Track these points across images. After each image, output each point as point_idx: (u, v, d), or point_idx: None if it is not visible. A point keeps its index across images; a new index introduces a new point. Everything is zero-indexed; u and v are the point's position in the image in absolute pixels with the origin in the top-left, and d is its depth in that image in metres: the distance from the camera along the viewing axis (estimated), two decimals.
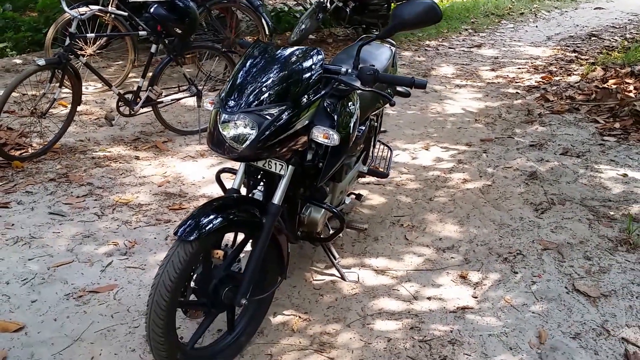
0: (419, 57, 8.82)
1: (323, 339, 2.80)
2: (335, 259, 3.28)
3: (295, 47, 2.48)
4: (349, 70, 2.55)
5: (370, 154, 3.74)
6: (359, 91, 3.03)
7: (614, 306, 3.04)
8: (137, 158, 4.75)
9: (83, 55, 5.52)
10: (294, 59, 2.43)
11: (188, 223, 2.27)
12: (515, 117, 6.03)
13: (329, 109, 2.61)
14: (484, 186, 4.42)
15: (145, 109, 5.06)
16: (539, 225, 3.84)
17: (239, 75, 2.40)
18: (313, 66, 2.44)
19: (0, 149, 4.33)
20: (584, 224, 3.83)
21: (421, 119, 6.05)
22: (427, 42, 9.79)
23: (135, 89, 4.99)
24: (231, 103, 2.32)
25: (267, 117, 2.28)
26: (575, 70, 7.73)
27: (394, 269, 3.37)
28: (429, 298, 3.12)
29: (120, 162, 4.65)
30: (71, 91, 4.71)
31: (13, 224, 3.66)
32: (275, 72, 2.37)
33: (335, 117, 2.60)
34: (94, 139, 5.12)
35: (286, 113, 2.32)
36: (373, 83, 2.52)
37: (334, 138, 2.41)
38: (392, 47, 3.74)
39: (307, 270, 3.34)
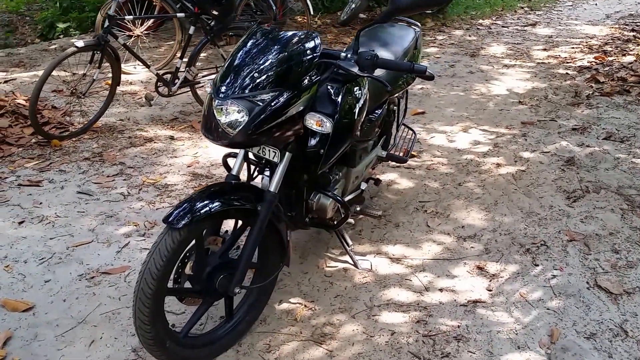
0: (469, 36, 8.42)
1: (325, 330, 2.65)
2: (348, 246, 3.11)
3: (292, 32, 2.32)
4: (348, 56, 2.37)
5: (393, 138, 3.53)
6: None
7: (636, 305, 2.76)
8: (171, 138, 4.69)
9: (130, 36, 5.50)
10: (289, 44, 2.27)
11: (178, 209, 2.18)
12: (561, 99, 5.65)
13: (332, 94, 2.44)
14: (517, 172, 4.13)
15: (183, 90, 4.99)
16: (569, 214, 3.55)
17: (234, 60, 2.26)
18: (308, 51, 2.27)
19: (40, 127, 4.33)
20: (617, 214, 3.52)
21: (463, 100, 5.75)
22: (480, 21, 9.35)
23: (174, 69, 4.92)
24: (223, 88, 2.19)
25: (259, 102, 2.14)
26: (631, 51, 7.19)
27: (410, 258, 3.18)
28: (440, 290, 2.92)
29: (155, 142, 4.59)
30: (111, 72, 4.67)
31: (41, 203, 3.65)
32: (269, 57, 2.22)
33: (339, 102, 2.42)
34: (134, 118, 5.09)
35: (279, 99, 2.17)
36: (372, 69, 2.33)
37: (327, 126, 2.25)
38: (416, 30, 3.49)
39: (321, 257, 3.19)
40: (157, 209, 3.62)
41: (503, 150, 4.52)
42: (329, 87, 2.44)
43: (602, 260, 3.10)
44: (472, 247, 3.27)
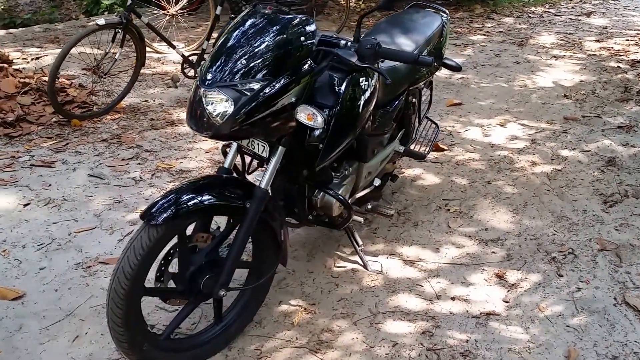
0: (519, 24, 8.02)
1: (322, 337, 2.45)
2: (358, 246, 2.90)
3: (287, 16, 2.09)
4: (348, 44, 2.14)
5: (414, 133, 3.28)
6: (384, 63, 2.61)
7: None
8: None
9: (166, 14, 5.38)
10: (281, 30, 2.05)
11: (157, 204, 2.00)
12: (610, 94, 5.27)
13: (334, 84, 2.22)
14: (553, 171, 3.83)
15: None
16: (603, 220, 3.24)
17: (222, 45, 2.06)
18: (302, 38, 2.05)
19: (60, 106, 4.25)
20: None
21: (505, 91, 5.43)
22: (532, 8, 8.92)
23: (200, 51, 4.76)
24: (209, 75, 2.00)
25: (246, 92, 1.95)
26: None
27: (424, 261, 2.94)
28: (453, 298, 2.68)
29: (176, 125, 4.46)
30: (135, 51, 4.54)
31: (50, 185, 3.55)
32: (259, 43, 2.02)
33: (341, 93, 2.20)
34: (160, 100, 4.97)
35: (269, 89, 1.97)
36: (374, 58, 2.11)
37: (318, 120, 2.04)
38: (442, 16, 3.22)
39: (331, 255, 2.98)
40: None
41: (540, 147, 4.21)
42: (331, 76, 2.23)
43: (634, 274, 2.80)
44: (493, 253, 3.01)
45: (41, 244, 3.00)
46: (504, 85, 5.59)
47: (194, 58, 4.73)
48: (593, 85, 5.51)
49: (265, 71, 1.97)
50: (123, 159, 3.89)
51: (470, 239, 3.13)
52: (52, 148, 3.99)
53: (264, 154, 2.21)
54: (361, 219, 2.82)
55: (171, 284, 2.18)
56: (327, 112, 2.18)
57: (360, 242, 2.91)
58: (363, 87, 2.32)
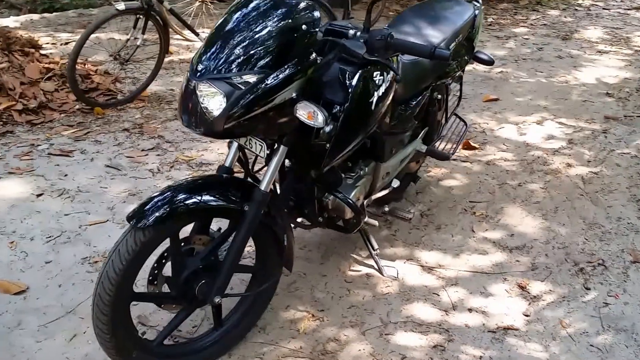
0: (565, 17, 7.68)
1: (328, 347, 2.32)
2: (373, 250, 2.75)
3: (287, 2, 1.92)
4: (358, 34, 1.97)
5: (440, 130, 3.10)
6: (404, 56, 2.44)
7: None
8: None
9: (197, 1, 5.28)
10: (279, 16, 1.87)
11: (146, 206, 1.88)
12: None
13: (344, 78, 2.03)
14: (588, 174, 3.60)
15: None
16: (638, 229, 3.01)
17: (217, 32, 1.90)
18: (303, 26, 1.87)
19: (81, 93, 4.18)
20: None
21: (544, 87, 5.17)
22: (580, 1, 8.53)
23: None
24: (200, 66, 1.84)
25: (240, 85, 1.78)
26: None
27: (444, 267, 2.78)
28: (470, 310, 2.51)
29: None
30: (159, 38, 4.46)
31: (66, 175, 3.48)
32: (256, 31, 1.84)
33: (351, 88, 2.02)
34: None
35: (265, 82, 1.80)
36: (385, 51, 1.92)
37: (319, 120, 1.87)
38: (475, 6, 3.03)
39: (346, 258, 2.84)
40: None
41: (577, 148, 3.97)
42: (341, 69, 2.04)
43: None
44: (517, 261, 2.82)
45: (50, 236, 2.93)
46: (544, 81, 5.33)
47: None
48: (638, 83, 5.21)
49: (262, 62, 1.80)
50: (143, 150, 3.81)
51: (495, 245, 2.95)
52: (72, 137, 3.93)
53: (262, 154, 2.07)
54: (376, 223, 2.66)
55: (166, 288, 2.08)
56: (336, 109, 2.00)
57: (376, 246, 2.76)
58: (377, 81, 2.13)
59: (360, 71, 2.03)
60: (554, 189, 3.45)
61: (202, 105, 1.80)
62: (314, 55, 1.90)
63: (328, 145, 2.05)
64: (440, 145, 3.11)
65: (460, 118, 3.34)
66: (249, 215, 2.00)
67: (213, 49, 1.85)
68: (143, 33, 4.29)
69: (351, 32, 1.99)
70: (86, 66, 4.73)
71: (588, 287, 2.63)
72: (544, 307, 2.51)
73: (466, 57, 2.99)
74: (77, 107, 4.30)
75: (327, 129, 2.00)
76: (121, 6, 4.01)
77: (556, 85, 5.23)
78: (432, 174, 3.62)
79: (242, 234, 2.01)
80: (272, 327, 2.42)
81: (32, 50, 4.79)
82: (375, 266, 2.75)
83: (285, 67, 1.83)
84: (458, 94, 3.25)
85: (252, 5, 1.92)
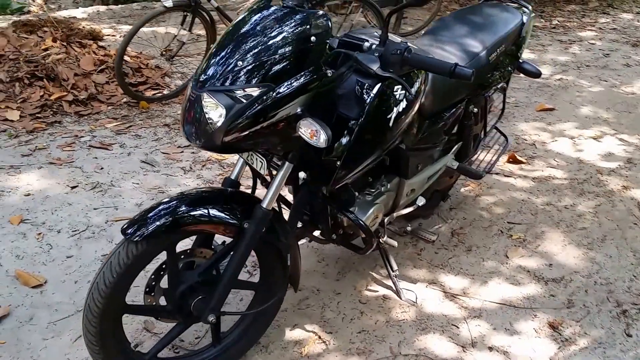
0: (638, 21, 7.10)
1: None
2: (392, 271, 2.52)
3: (297, 13, 1.71)
4: (374, 46, 1.76)
5: (475, 146, 2.83)
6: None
7: None
8: None
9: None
10: (286, 28, 1.69)
11: (140, 218, 1.76)
12: None
13: (362, 92, 1.84)
14: None
15: None
16: None
17: (221, 44, 1.73)
18: (312, 38, 1.67)
19: (127, 86, 4.12)
20: None
21: (607, 98, 4.75)
22: None
23: None
24: (203, 77, 1.68)
25: (242, 99, 1.61)
26: None
27: (468, 295, 2.52)
28: (490, 348, 2.25)
29: None
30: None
31: (102, 168, 3.42)
32: (261, 43, 1.67)
33: (367, 103, 1.82)
34: None
35: (268, 97, 1.63)
36: (400, 66, 1.70)
37: (321, 139, 1.67)
38: (524, 13, 2.73)
39: (364, 276, 2.63)
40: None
41: (637, 169, 3.59)
42: (359, 82, 1.84)
43: None
44: (552, 296, 2.52)
45: (75, 230, 2.86)
46: (607, 91, 4.90)
47: None
48: None
49: (265, 76, 1.63)
50: (179, 146, 3.70)
51: (529, 274, 2.66)
52: (115, 130, 3.87)
53: (262, 171, 1.90)
54: (395, 243, 2.43)
55: (163, 301, 1.94)
56: (350, 124, 1.83)
57: (395, 267, 2.53)
58: (397, 96, 1.91)
59: (379, 84, 1.82)
60: (604, 215, 3.10)
61: (202, 118, 1.65)
62: (324, 68, 1.69)
63: (339, 162, 1.85)
64: (476, 162, 2.83)
65: (501, 132, 3.05)
66: (248, 233, 1.84)
67: (217, 60, 1.69)
68: (190, 30, 4.20)
69: (367, 44, 1.79)
70: (139, 60, 4.67)
71: (630, 333, 2.31)
72: (575, 353, 2.22)
73: (510, 68, 2.70)
74: (125, 100, 4.24)
75: (340, 144, 1.83)
76: (169, 3, 3.91)
77: (621, 96, 4.80)
78: (469, 188, 3.34)
79: (240, 253, 1.86)
80: (275, 346, 2.25)
81: (91, 42, 4.77)
82: (394, 288, 2.52)
83: (291, 81, 1.66)
84: (500, 106, 2.95)
85: (259, 16, 1.75)
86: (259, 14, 1.74)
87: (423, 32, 2.66)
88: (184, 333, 2.21)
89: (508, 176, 3.50)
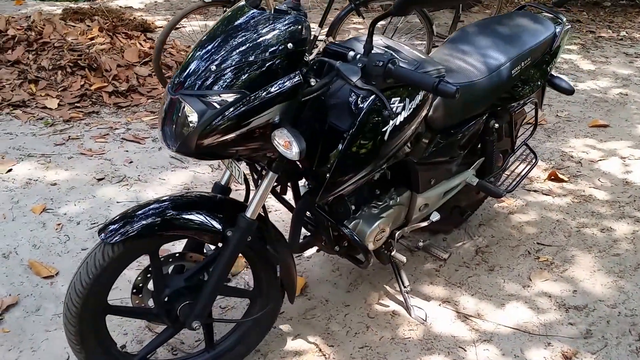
0: None
1: None
2: (404, 287, 2.48)
3: (275, 19, 1.67)
4: (358, 56, 1.71)
5: (502, 163, 2.75)
6: (454, 78, 2.16)
7: None
8: None
9: None
10: (264, 33, 1.64)
11: (118, 220, 1.77)
12: None
13: (355, 104, 1.81)
14: None
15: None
16: None
17: (199, 48, 1.70)
18: (289, 45, 1.62)
19: (164, 80, 4.20)
20: None
21: None
22: None
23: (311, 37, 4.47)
24: (176, 81, 1.67)
25: (216, 104, 1.59)
26: None
27: (482, 318, 2.45)
28: None
29: None
30: None
31: (131, 162, 3.49)
32: (237, 49, 1.63)
33: (360, 115, 1.79)
34: None
35: (242, 103, 1.60)
36: (383, 79, 1.65)
37: (293, 151, 1.63)
38: (557, 24, 2.62)
39: (378, 289, 2.59)
40: (235, 190, 3.26)
41: None
42: (352, 92, 1.81)
43: None
44: (571, 324, 2.42)
45: (95, 223, 2.93)
46: None
47: None
48: None
49: (241, 82, 1.60)
50: None
51: (550, 300, 2.56)
52: (150, 123, 3.95)
53: (240, 180, 1.89)
54: (404, 259, 2.39)
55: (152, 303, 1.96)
56: (341, 136, 1.80)
57: (407, 282, 2.48)
58: (395, 109, 1.86)
59: (373, 96, 1.78)
60: None
61: (176, 122, 1.64)
62: (296, 78, 1.64)
63: (328, 174, 1.83)
64: (505, 179, 2.74)
65: (531, 149, 2.94)
66: (232, 242, 1.83)
67: (194, 64, 1.66)
68: None
69: (351, 54, 1.75)
70: (180, 53, 4.75)
71: None
72: None
73: (539, 82, 2.60)
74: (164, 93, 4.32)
75: (330, 156, 1.82)
76: None
77: None
78: (503, 205, 3.24)
79: (223, 261, 1.85)
80: (274, 354, 2.24)
81: (138, 33, 4.89)
82: (405, 304, 2.48)
83: (266, 88, 1.61)
84: (532, 121, 2.86)
85: (239, 20, 1.71)
86: (239, 18, 1.71)
87: (446, 39, 2.59)
88: (186, 336, 2.26)
89: (546, 194, 3.38)
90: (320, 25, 4.51)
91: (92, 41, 4.54)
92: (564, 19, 2.68)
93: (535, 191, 3.40)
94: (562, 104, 4.66)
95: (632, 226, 3.09)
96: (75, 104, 4.04)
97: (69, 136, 3.70)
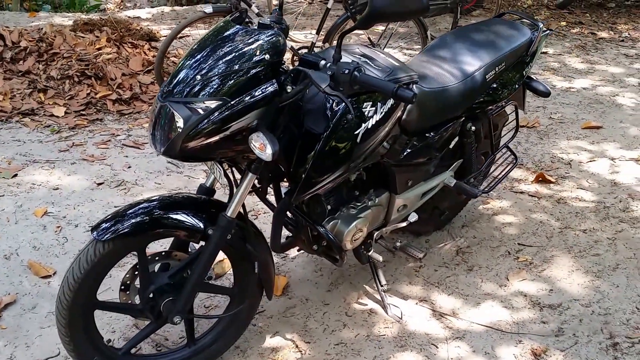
0: None
1: None
2: (381, 285, 2.55)
3: (256, 31, 1.82)
4: (328, 65, 1.82)
5: (483, 165, 2.80)
6: (429, 84, 2.24)
7: None
8: None
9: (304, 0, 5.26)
10: (243, 45, 1.79)
11: (110, 218, 1.91)
12: None
13: (330, 108, 1.94)
14: None
15: None
16: None
17: (188, 58, 1.85)
18: (266, 57, 1.77)
19: None
20: None
21: None
22: None
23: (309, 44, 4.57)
24: (166, 89, 1.81)
25: (200, 110, 1.73)
26: None
27: (457, 316, 2.51)
28: None
29: None
30: None
31: (130, 167, 3.61)
32: (221, 59, 1.78)
33: (334, 119, 1.92)
34: None
35: (223, 109, 1.73)
36: (350, 85, 1.75)
37: (267, 152, 1.75)
38: (536, 31, 2.67)
39: (358, 288, 2.66)
40: (222, 192, 3.36)
41: None
42: (326, 98, 1.94)
43: None
44: (544, 323, 2.47)
45: (91, 226, 3.02)
46: None
47: (304, 51, 4.54)
48: None
49: (222, 89, 1.74)
50: None
51: (526, 299, 2.61)
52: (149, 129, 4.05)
53: (221, 181, 2.00)
54: (380, 258, 2.46)
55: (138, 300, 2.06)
56: (316, 139, 1.92)
57: (384, 281, 2.56)
58: (367, 113, 1.99)
59: (347, 100, 1.87)
60: (622, 242, 2.99)
61: (163, 126, 1.78)
62: (272, 86, 1.76)
63: (303, 175, 1.95)
64: (480, 181, 2.80)
65: (511, 151, 2.99)
66: (212, 240, 1.95)
67: (182, 73, 1.81)
68: None
69: (322, 62, 1.85)
70: None
71: None
72: None
73: (516, 86, 2.66)
74: None
75: (306, 158, 1.95)
76: (209, 9, 4.07)
77: None
78: (488, 206, 3.29)
79: (205, 258, 1.97)
80: (252, 351, 2.32)
81: (144, 43, 5.02)
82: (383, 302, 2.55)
83: (245, 95, 1.75)
84: (513, 124, 2.91)
85: (225, 33, 1.86)
86: (223, 32, 1.86)
87: (426, 47, 2.67)
88: (170, 333, 2.35)
89: (533, 196, 3.42)
90: (318, 32, 4.60)
91: (100, 51, 4.67)
92: (541, 25, 2.73)
93: (521, 192, 3.44)
94: (556, 106, 4.69)
95: (615, 227, 3.12)
96: (81, 112, 4.18)
97: (73, 143, 3.83)
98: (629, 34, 6.67)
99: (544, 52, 5.93)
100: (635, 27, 7.00)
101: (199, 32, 4.81)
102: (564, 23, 7.01)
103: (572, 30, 6.84)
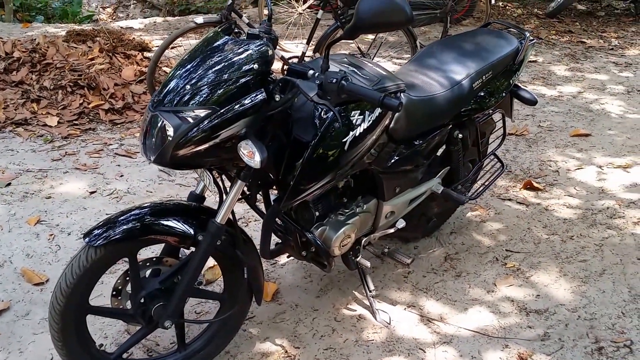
0: None
1: None
2: (369, 291, 2.60)
3: (244, 42, 1.88)
4: (316, 74, 1.87)
5: (471, 172, 2.86)
6: (417, 92, 2.30)
7: None
8: None
9: (294, 13, 5.32)
10: (232, 56, 1.84)
11: (102, 225, 1.95)
12: None
13: (319, 116, 2.00)
14: None
15: None
16: None
17: (178, 68, 1.90)
18: (254, 66, 1.81)
19: None
20: None
21: None
22: None
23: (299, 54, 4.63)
24: (157, 99, 1.86)
25: (189, 119, 1.77)
26: None
27: (444, 321, 2.55)
28: None
29: None
30: None
31: (122, 175, 3.65)
32: (210, 69, 1.83)
33: (322, 127, 1.98)
34: None
35: (212, 118, 1.77)
36: (337, 94, 1.80)
37: (255, 160, 1.80)
38: (522, 40, 2.74)
39: (347, 294, 2.71)
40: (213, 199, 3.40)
41: None
42: (316, 107, 2.00)
43: None
44: (530, 327, 2.52)
45: (84, 233, 3.07)
46: None
47: (294, 61, 4.60)
48: None
49: (212, 98, 1.78)
50: None
51: (513, 304, 2.66)
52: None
53: (211, 187, 2.05)
54: (368, 264, 2.51)
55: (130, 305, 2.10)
56: (304, 147, 1.98)
57: (372, 287, 2.61)
58: (355, 121, 2.04)
59: (335, 109, 1.92)
60: (609, 248, 3.04)
61: (154, 135, 1.82)
62: (260, 95, 1.81)
63: (292, 182, 2.00)
64: (468, 188, 2.86)
65: (498, 159, 3.04)
66: (202, 246, 1.99)
67: (173, 83, 1.86)
68: None
69: (310, 72, 1.90)
70: None
71: None
72: None
73: (503, 94, 2.72)
74: None
75: (294, 165, 1.99)
76: (199, 20, 4.13)
77: None
78: (476, 213, 3.34)
79: (195, 264, 2.01)
80: (242, 356, 2.36)
81: (136, 53, 5.07)
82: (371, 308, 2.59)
83: (234, 104, 1.80)
84: (502, 132, 2.97)
85: (215, 44, 1.92)
86: (212, 43, 1.91)
87: (414, 57, 2.73)
88: (161, 338, 2.39)
89: (521, 203, 3.47)
90: (308, 42, 4.66)
91: (92, 61, 4.72)
92: (528, 34, 2.79)
93: (509, 200, 3.50)
94: (545, 114, 4.76)
95: (602, 233, 3.18)
96: (74, 122, 4.22)
97: (66, 152, 3.87)
98: (618, 43, 6.75)
99: (533, 61, 6.02)
100: (625, 35, 7.10)
101: (190, 42, 4.86)
102: (553, 32, 7.10)
103: (561, 38, 6.92)
